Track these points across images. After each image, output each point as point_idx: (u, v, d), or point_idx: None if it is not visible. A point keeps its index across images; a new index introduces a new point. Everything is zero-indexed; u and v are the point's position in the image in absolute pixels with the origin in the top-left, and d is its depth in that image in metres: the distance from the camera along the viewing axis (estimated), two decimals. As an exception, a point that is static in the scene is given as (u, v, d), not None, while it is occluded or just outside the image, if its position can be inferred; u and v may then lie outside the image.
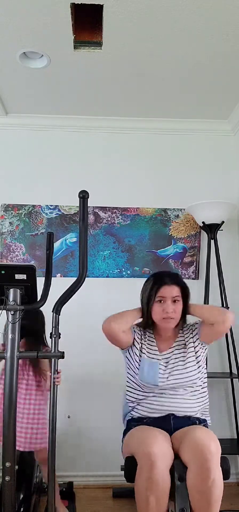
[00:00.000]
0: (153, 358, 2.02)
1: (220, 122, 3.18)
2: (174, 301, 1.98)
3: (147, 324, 2.07)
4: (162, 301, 1.98)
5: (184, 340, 2.06)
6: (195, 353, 2.02)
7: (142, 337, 2.08)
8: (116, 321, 1.97)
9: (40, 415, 2.15)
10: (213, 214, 2.80)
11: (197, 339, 2.04)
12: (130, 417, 2.06)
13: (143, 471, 1.64)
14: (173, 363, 2.00)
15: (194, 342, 2.04)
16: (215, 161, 3.19)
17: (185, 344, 2.05)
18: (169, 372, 1.97)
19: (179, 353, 2.02)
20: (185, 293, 2.04)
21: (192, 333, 2.07)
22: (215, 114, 3.09)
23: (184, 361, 1.99)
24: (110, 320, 1.98)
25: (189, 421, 1.93)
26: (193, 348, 2.02)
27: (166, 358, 2.02)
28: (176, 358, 2.01)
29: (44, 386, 2.22)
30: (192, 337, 2.05)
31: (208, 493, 1.59)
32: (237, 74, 2.59)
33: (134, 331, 2.09)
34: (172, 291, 1.97)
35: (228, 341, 2.86)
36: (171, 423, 1.91)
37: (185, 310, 2.05)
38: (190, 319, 2.16)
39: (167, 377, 1.97)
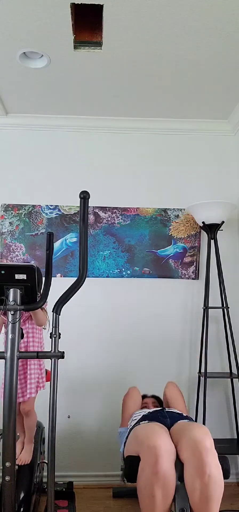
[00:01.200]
0: None
1: (220, 122, 3.18)
2: (154, 405, 2.42)
3: None
4: (145, 406, 2.43)
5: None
6: None
7: None
8: None
9: (31, 364, 2.10)
10: (213, 214, 2.80)
11: None
12: (130, 427, 2.10)
13: (148, 466, 1.64)
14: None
15: None
16: (215, 161, 3.19)
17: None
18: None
19: None
20: (159, 401, 2.54)
21: None
22: (215, 114, 3.09)
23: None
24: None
25: (183, 417, 2.04)
26: None
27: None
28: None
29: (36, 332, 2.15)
30: None
31: (205, 490, 1.58)
32: (237, 74, 2.59)
33: None
34: (151, 400, 2.52)
35: (228, 341, 2.87)
36: (167, 415, 2.00)
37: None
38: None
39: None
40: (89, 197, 1.67)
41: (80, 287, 1.66)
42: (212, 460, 1.61)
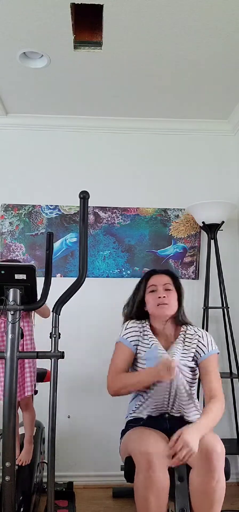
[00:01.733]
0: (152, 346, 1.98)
1: (220, 122, 3.18)
2: (166, 289, 1.98)
3: (139, 314, 2.06)
4: (154, 290, 1.99)
5: (186, 339, 1.98)
6: (193, 358, 1.96)
7: (142, 337, 2.01)
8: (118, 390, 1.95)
9: (30, 361, 2.08)
10: (213, 214, 2.80)
11: (198, 358, 1.96)
12: (129, 418, 2.06)
13: (141, 470, 1.63)
14: (174, 351, 1.93)
15: (195, 354, 1.96)
16: (215, 161, 3.19)
17: (187, 343, 1.97)
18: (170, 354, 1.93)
19: (181, 347, 1.96)
20: (176, 284, 2.04)
21: (197, 346, 1.96)
22: (215, 114, 3.09)
23: (184, 354, 1.94)
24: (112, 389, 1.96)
25: (184, 422, 1.90)
26: (193, 353, 1.96)
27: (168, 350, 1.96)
28: (177, 349, 1.94)
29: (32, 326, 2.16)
30: (196, 349, 1.96)
31: (212, 494, 1.59)
32: (237, 74, 2.59)
33: (131, 337, 2.01)
34: (162, 279, 2.00)
35: (228, 341, 2.86)
36: (167, 423, 1.91)
37: (181, 304, 2.04)
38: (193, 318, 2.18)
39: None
40: (88, 197, 1.67)
41: (80, 287, 1.66)
42: (221, 466, 1.62)
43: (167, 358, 1.82)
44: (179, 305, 2.03)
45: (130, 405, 2.08)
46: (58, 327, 1.68)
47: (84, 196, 1.66)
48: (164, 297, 1.95)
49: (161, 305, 1.95)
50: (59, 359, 1.66)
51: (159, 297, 1.95)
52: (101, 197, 3.05)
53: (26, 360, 2.05)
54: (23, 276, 1.60)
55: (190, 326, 2.05)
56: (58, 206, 3.06)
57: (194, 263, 3.07)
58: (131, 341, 2.01)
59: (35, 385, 2.13)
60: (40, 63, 2.49)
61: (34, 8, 2.03)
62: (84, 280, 1.65)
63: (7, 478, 1.55)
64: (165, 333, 2.02)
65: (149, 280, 2.04)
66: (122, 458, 1.91)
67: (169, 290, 1.99)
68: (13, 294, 1.62)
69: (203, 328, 2.84)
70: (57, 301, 1.69)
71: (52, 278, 1.84)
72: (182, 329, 2.04)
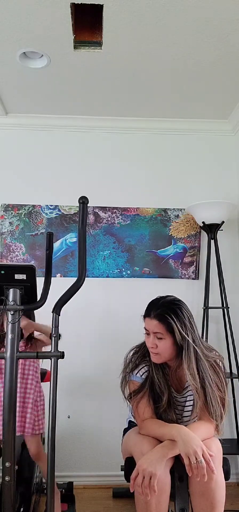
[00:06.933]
0: None
1: (220, 122, 3.18)
2: (157, 338, 1.78)
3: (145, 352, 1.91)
4: (148, 334, 1.84)
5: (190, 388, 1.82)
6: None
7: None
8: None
9: (30, 397, 2.12)
10: (213, 214, 2.80)
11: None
12: (131, 418, 2.06)
13: None
14: (187, 411, 1.87)
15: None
16: (215, 161, 3.19)
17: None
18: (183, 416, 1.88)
19: (190, 399, 1.86)
20: (169, 329, 1.75)
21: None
22: (215, 114, 3.09)
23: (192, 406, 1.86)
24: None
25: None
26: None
27: (182, 400, 1.88)
28: (188, 406, 1.86)
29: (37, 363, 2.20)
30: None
31: (212, 496, 1.58)
32: (237, 74, 2.59)
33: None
34: (152, 324, 1.79)
35: (228, 341, 2.86)
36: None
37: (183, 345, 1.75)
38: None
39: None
40: (88, 202, 1.71)
41: (79, 289, 1.67)
42: (217, 467, 1.61)
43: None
44: (180, 348, 1.76)
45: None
46: (58, 327, 1.68)
47: (83, 202, 1.68)
48: (152, 347, 1.79)
49: (151, 353, 1.83)
50: (59, 359, 1.66)
51: (148, 346, 1.82)
52: (101, 197, 3.05)
53: (30, 397, 2.09)
54: (23, 276, 1.60)
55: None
56: (58, 206, 3.06)
57: (194, 263, 3.07)
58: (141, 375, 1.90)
59: (42, 427, 2.11)
60: (40, 63, 2.49)
61: (34, 8, 2.03)
62: (82, 283, 1.66)
63: (7, 478, 1.55)
64: (173, 371, 1.89)
65: (144, 320, 1.86)
66: (124, 457, 1.91)
67: (160, 339, 1.77)
68: (13, 294, 1.62)
69: (203, 328, 2.84)
70: (57, 302, 1.69)
71: (52, 278, 1.84)
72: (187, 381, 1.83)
